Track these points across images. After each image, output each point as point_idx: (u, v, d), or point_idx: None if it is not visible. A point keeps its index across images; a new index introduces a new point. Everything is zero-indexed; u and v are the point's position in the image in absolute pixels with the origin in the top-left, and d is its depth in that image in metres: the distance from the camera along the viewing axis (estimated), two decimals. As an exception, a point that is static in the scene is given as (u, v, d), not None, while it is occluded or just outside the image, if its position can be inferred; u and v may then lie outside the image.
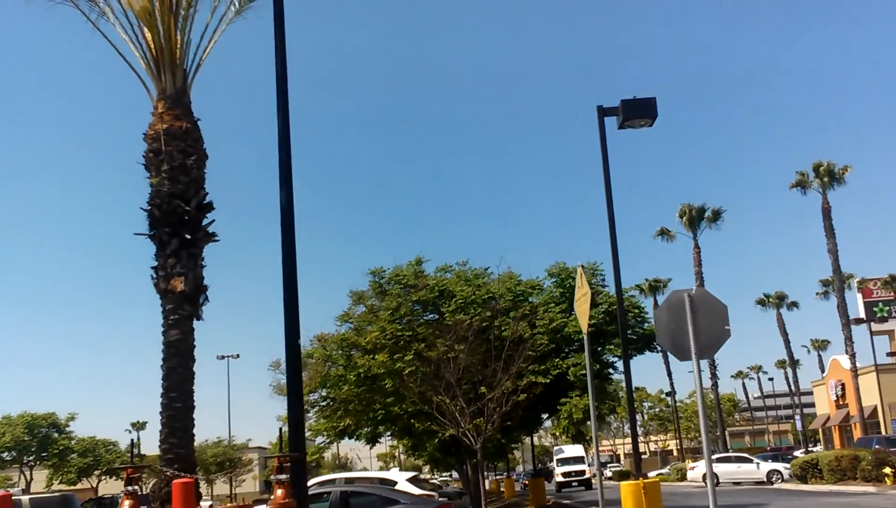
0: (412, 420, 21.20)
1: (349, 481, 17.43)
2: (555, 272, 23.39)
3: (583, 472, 51.92)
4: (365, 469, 79.86)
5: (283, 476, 8.00)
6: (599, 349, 21.90)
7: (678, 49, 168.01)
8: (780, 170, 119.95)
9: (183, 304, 13.26)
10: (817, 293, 76.62)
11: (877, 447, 34.77)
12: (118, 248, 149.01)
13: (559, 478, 52.43)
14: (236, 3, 14.28)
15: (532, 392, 19.83)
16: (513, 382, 17.99)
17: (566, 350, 22.19)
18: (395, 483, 17.56)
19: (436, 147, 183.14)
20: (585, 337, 14.98)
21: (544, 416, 27.16)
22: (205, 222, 13.90)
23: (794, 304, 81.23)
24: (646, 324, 23.88)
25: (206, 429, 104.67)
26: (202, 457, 54.00)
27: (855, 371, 51.61)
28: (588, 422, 19.95)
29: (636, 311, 23.41)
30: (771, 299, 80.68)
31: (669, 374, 70.70)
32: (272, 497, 8.09)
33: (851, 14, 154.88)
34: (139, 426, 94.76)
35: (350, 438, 25.59)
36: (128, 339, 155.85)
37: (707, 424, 9.86)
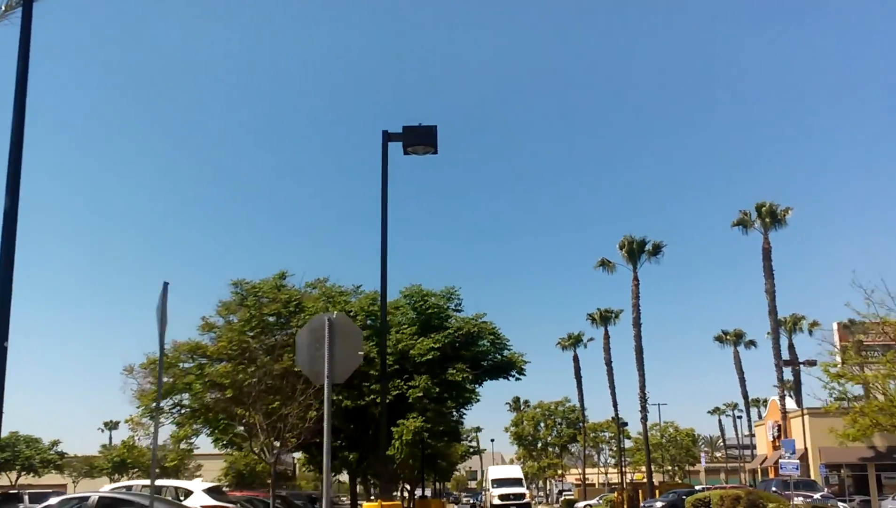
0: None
1: (129, 488, 17.44)
2: (409, 294, 23.53)
3: (522, 495, 48.28)
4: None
5: None
6: (441, 371, 21.96)
7: (633, 79, 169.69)
8: (724, 208, 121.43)
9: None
10: (767, 333, 76.46)
11: (773, 489, 34.82)
12: None
13: (496, 500, 48.48)
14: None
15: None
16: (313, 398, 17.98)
17: (410, 372, 22.26)
18: (192, 492, 17.59)
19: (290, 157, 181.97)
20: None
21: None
22: None
23: (752, 342, 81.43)
24: (505, 350, 24.01)
25: None
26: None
27: (784, 413, 51.57)
28: (420, 444, 19.96)
29: (492, 337, 23.54)
30: (729, 337, 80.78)
31: (615, 405, 70.53)
32: None
33: (796, 56, 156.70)
34: (112, 426, 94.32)
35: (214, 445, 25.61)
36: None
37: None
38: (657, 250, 54.92)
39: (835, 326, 60.81)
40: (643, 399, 55.25)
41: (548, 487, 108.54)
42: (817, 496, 35.25)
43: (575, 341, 76.12)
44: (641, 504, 46.08)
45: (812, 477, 46.95)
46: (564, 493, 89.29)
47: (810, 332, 72.53)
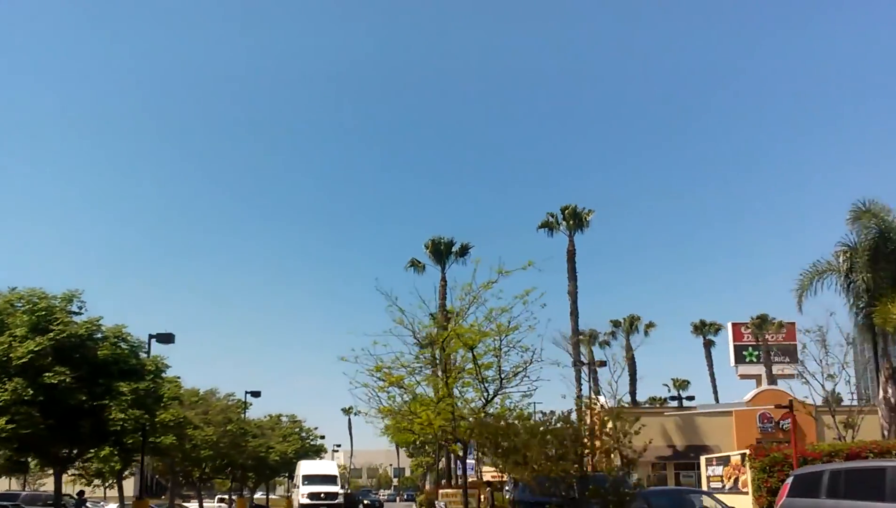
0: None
1: None
2: (21, 296, 22.47)
3: (334, 494, 44.28)
4: None
5: None
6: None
7: (445, 84, 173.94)
8: (537, 210, 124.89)
9: None
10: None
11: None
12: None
13: (304, 500, 44.83)
14: None
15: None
16: None
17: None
18: None
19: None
20: None
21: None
22: None
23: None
24: (142, 354, 23.34)
25: None
26: None
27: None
28: None
29: (115, 341, 22.85)
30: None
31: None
32: None
33: (607, 61, 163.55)
34: None
35: None
36: None
37: None
38: (465, 250, 55.14)
39: (730, 325, 62.25)
40: (452, 406, 55.29)
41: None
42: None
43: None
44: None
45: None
46: None
47: (646, 333, 74.23)
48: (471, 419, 19.85)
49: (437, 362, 21.74)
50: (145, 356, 25.04)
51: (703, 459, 28.61)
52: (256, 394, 51.03)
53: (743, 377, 61.16)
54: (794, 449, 18.67)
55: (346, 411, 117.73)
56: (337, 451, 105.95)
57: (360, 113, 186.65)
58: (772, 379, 56.58)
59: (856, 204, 22.66)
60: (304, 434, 66.88)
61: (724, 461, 24.24)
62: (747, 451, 21.27)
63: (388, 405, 21.55)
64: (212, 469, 52.62)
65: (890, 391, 24.14)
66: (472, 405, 20.88)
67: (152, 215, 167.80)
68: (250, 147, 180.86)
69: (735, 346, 60.39)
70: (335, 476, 46.42)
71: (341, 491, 45.18)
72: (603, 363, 49.30)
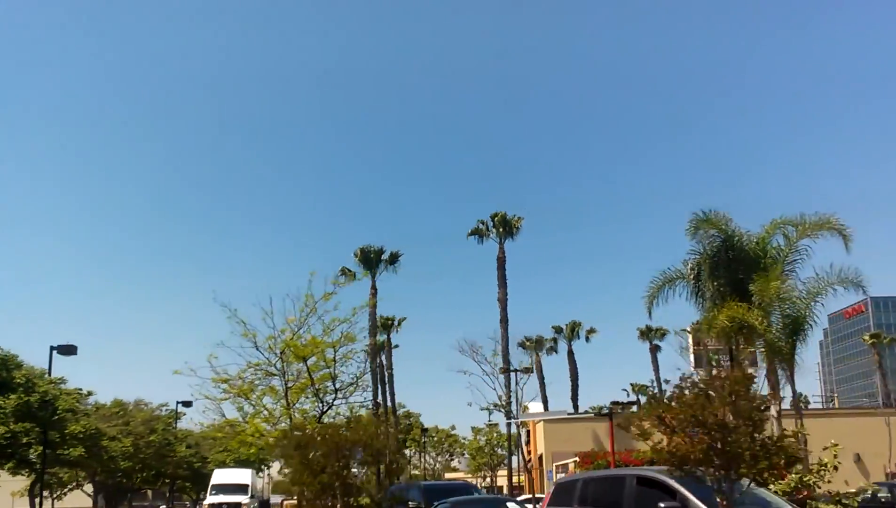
0: None
1: None
2: None
3: (237, 504, 42.70)
4: None
5: None
6: None
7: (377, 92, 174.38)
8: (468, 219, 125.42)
9: None
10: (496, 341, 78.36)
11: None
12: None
13: None
14: None
15: None
16: None
17: None
18: None
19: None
20: None
21: None
22: None
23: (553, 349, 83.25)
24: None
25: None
26: None
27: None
28: None
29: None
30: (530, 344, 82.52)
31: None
32: None
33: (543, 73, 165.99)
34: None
35: None
36: None
37: None
38: (395, 258, 55.41)
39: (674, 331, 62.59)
40: (394, 409, 55.65)
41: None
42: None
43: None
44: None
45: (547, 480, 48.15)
46: None
47: (587, 338, 74.74)
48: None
49: (281, 374, 21.92)
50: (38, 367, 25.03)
51: (554, 466, 29.04)
52: (188, 404, 50.95)
53: (698, 379, 61.57)
54: (612, 455, 19.01)
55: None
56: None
57: (289, 118, 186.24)
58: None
59: (696, 214, 23.00)
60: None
61: (565, 467, 24.64)
62: (577, 458, 21.64)
63: (230, 418, 21.69)
64: (141, 480, 52.63)
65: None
66: (308, 415, 21.04)
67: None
68: (158, 146, 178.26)
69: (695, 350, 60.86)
70: (246, 486, 45.33)
71: (247, 501, 43.91)
72: (529, 370, 49.73)
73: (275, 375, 21.46)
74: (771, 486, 14.55)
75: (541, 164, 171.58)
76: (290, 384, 21.62)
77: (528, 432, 60.35)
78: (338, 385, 21.19)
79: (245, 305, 21.75)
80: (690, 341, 60.93)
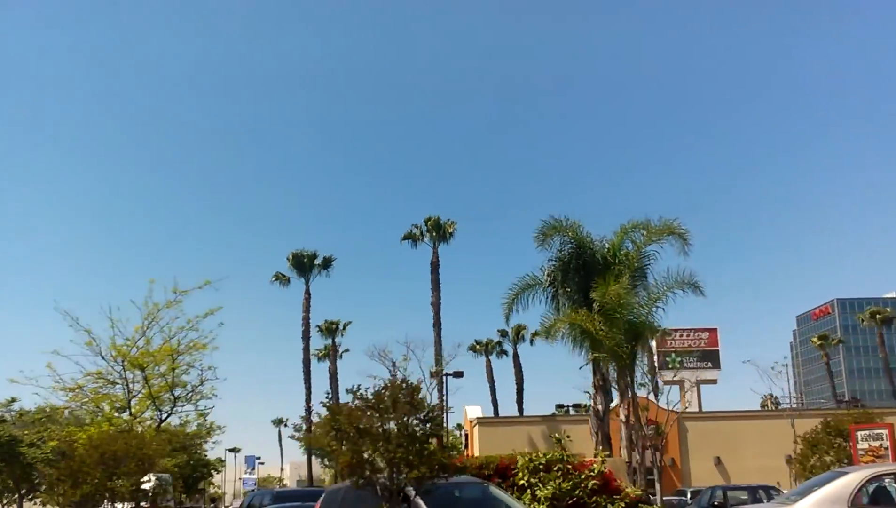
0: None
1: None
2: None
3: None
4: None
5: None
6: None
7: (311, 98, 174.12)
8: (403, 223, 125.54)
9: None
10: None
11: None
12: None
13: None
14: None
15: None
16: None
17: None
18: None
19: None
20: None
21: None
22: None
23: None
24: None
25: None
26: None
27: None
28: None
29: None
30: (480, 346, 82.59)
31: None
32: None
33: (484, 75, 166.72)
34: None
35: None
36: None
37: None
38: (328, 263, 55.40)
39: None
40: (308, 412, 55.49)
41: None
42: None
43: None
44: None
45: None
46: None
47: (532, 342, 74.74)
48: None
49: (124, 382, 21.95)
50: None
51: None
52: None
53: (667, 383, 61.41)
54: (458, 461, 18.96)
55: (277, 422, 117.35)
56: (262, 464, 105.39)
57: (226, 120, 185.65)
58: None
59: (546, 221, 23.16)
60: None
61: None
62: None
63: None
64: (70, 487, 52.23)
65: (598, 399, 24.74)
66: (147, 424, 21.08)
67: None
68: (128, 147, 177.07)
69: (658, 352, 61.13)
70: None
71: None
72: (460, 374, 49.70)
73: (117, 383, 21.49)
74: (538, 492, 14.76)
75: (473, 167, 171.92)
76: (134, 394, 21.67)
77: (467, 435, 60.37)
78: (177, 394, 21.19)
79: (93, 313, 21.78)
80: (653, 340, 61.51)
